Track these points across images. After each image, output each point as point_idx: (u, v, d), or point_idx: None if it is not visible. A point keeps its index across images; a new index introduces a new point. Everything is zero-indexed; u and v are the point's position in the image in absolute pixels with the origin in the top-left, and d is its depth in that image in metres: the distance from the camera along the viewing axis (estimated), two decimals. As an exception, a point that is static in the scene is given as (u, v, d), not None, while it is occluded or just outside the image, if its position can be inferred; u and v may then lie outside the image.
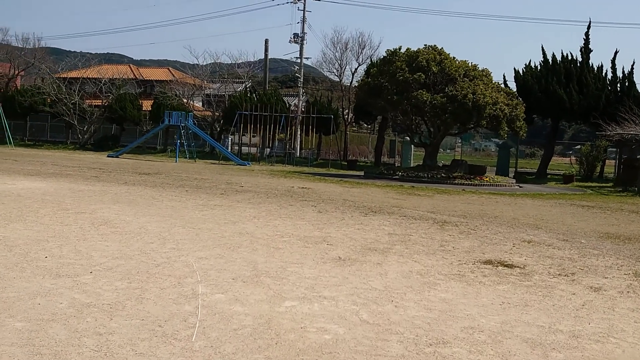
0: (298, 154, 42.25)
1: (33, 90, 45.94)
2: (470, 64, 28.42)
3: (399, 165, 36.00)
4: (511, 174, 32.07)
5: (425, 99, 25.67)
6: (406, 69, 26.64)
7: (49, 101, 44.16)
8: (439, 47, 28.27)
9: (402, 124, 31.16)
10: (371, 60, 38.37)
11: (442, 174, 26.24)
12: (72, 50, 52.12)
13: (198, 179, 19.63)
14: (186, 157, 36.43)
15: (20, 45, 51.28)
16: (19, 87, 48.47)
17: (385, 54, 28.56)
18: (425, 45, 28.42)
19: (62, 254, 6.80)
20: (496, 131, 27.64)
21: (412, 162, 36.96)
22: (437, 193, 19.51)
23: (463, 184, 24.79)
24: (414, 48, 28.40)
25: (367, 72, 32.57)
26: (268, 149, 39.91)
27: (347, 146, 41.91)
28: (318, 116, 36.62)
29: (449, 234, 10.12)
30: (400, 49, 28.42)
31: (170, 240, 8.00)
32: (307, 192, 16.95)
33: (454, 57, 28.18)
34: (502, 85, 31.11)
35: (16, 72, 49.85)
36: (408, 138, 33.97)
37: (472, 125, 28.74)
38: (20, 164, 23.02)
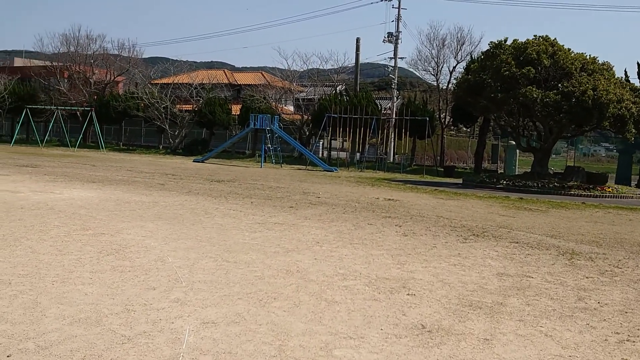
0: (390, 160, 39.50)
1: (127, 95, 46.19)
2: (588, 57, 24.61)
3: (502, 172, 32.38)
4: (633, 183, 27.77)
5: (535, 96, 22.27)
6: (513, 62, 23.33)
7: (142, 106, 44.08)
8: (552, 38, 24.67)
9: (508, 126, 27.68)
10: (471, 56, 34.99)
11: (555, 183, 22.69)
12: (176, 59, 52.03)
13: (272, 188, 17.48)
14: (272, 162, 34.71)
15: (116, 52, 51.96)
16: (119, 93, 48.95)
17: (488, 47, 25.30)
18: (535, 35, 24.91)
19: (4, 310, 4.64)
20: (621, 133, 23.68)
21: (516, 168, 33.17)
22: (551, 207, 16.24)
23: (581, 196, 21.16)
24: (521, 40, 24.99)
25: (466, 68, 29.34)
26: (358, 154, 37.46)
27: (444, 151, 38.65)
28: (412, 118, 33.74)
29: (584, 274, 7.19)
30: (505, 40, 25.09)
31: (182, 283, 5.69)
32: (393, 205, 14.31)
33: (568, 49, 24.49)
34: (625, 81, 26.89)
35: (112, 77, 50.46)
36: (513, 142, 30.38)
37: (590, 127, 24.90)
38: (96, 169, 21.93)
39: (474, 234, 10.09)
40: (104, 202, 11.73)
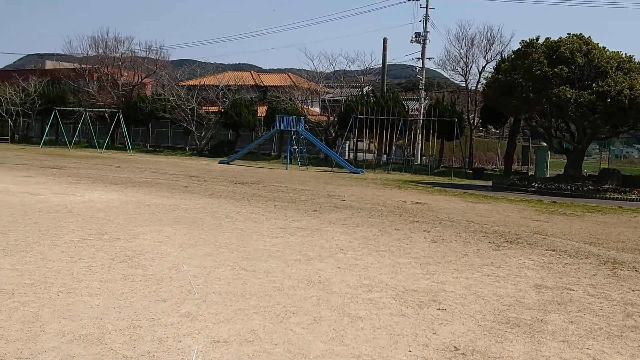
0: (418, 161, 38.86)
1: (154, 97, 46.36)
2: (624, 55, 23.72)
3: (533, 174, 31.52)
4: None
5: (568, 96, 21.51)
6: (545, 61, 22.58)
7: (168, 107, 44.14)
8: (585, 36, 23.85)
9: (539, 127, 26.89)
10: (501, 56, 34.18)
11: (589, 187, 21.87)
12: (204, 61, 52.13)
13: (297, 191, 17.10)
14: (298, 164, 34.38)
15: (143, 54, 52.15)
16: (147, 95, 49.10)
17: (519, 45, 24.57)
18: (568, 34, 24.11)
19: (0, 325, 4.32)
20: (659, 135, 22.74)
21: (548, 171, 32.29)
22: (587, 211, 15.56)
23: (617, 199, 20.35)
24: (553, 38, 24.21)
25: (497, 67, 28.60)
26: (385, 156, 36.92)
27: (473, 153, 37.87)
28: (440, 119, 33.09)
29: (629, 286, 6.64)
30: (537, 39, 24.33)
31: (195, 294, 5.32)
32: (421, 209, 13.81)
33: (603, 47, 23.64)
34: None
35: (139, 80, 50.69)
36: (544, 143, 29.57)
37: (626, 128, 24.03)
38: (120, 171, 21.82)
39: (507, 241, 9.56)
40: (124, 205, 11.48)
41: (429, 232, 10.14)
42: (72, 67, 53.59)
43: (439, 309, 5.29)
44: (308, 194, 16.12)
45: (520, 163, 41.09)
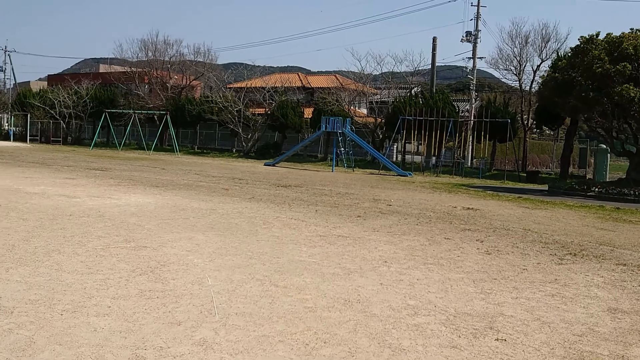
0: (468, 164, 37.61)
1: (201, 99, 46.50)
2: (694, 51, 22.08)
3: (592, 178, 29.91)
4: None
5: (632, 95, 20.15)
6: (606, 58, 21.21)
7: (216, 110, 44.14)
8: (651, 31, 22.32)
9: (600, 128, 25.39)
10: (557, 54, 32.61)
11: (655, 191, 20.38)
12: (252, 64, 51.93)
13: (340, 194, 16.40)
14: (344, 167, 33.68)
15: (192, 57, 52.38)
16: (195, 97, 49.30)
17: (578, 42, 23.22)
18: (631, 29, 22.64)
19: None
20: None
21: (607, 174, 30.59)
22: (655, 219, 14.31)
23: (687, 206, 18.83)
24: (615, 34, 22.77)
25: (553, 65, 27.18)
26: (434, 158, 35.83)
27: (526, 155, 36.36)
28: (492, 120, 31.83)
29: None
30: (597, 35, 22.92)
31: (216, 316, 4.68)
32: (473, 215, 12.90)
33: (671, 43, 22.06)
34: None
35: (188, 82, 50.96)
36: (604, 145, 27.98)
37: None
38: (164, 173, 21.58)
39: (570, 253, 8.62)
40: (159, 209, 11.02)
41: (482, 241, 9.28)
42: (124, 70, 54.38)
43: (497, 339, 4.50)
44: (352, 198, 15.40)
45: (577, 166, 39.28)
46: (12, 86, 73.05)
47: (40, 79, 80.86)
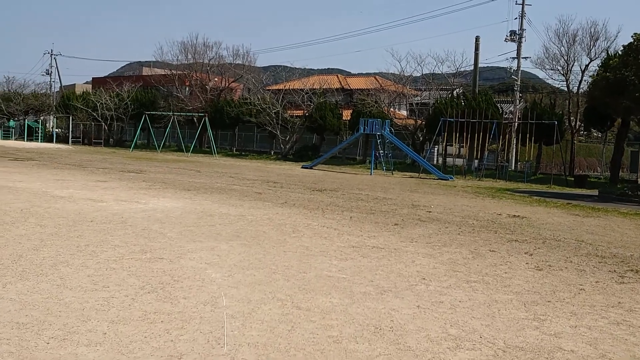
0: (512, 167, 36.32)
1: (240, 101, 46.32)
2: None
3: (645, 182, 28.35)
4: None
5: (692, 95, 18.83)
6: (663, 56, 19.95)
7: (254, 112, 43.87)
8: None
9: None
10: (607, 53, 31.11)
11: None
12: (291, 66, 51.51)
13: (378, 200, 15.67)
14: (383, 169, 32.87)
15: (231, 59, 52.28)
16: (234, 99, 49.19)
17: (631, 39, 21.94)
18: (690, 24, 21.24)
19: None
20: None
21: (662, 178, 28.97)
22: None
23: None
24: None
25: (603, 65, 25.84)
26: (476, 161, 34.69)
27: (574, 158, 34.87)
28: (538, 122, 30.55)
29: None
30: (653, 31, 21.61)
31: (224, 347, 4.05)
32: (520, 224, 12.01)
33: None
34: None
35: (227, 84, 50.90)
36: (659, 148, 26.48)
37: None
38: (199, 176, 21.22)
39: (631, 269, 7.72)
40: (185, 215, 10.50)
41: (531, 255, 8.45)
42: (164, 73, 54.72)
43: (557, 384, 3.75)
44: (390, 204, 14.66)
45: (629, 170, 37.57)
46: (58, 89, 74.44)
47: (87, 82, 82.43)
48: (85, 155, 33.58)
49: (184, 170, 24.21)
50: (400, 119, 41.87)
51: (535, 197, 19.57)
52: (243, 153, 46.69)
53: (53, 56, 78.76)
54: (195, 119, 46.44)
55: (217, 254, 7.24)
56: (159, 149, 46.17)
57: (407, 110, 45.00)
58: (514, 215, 13.48)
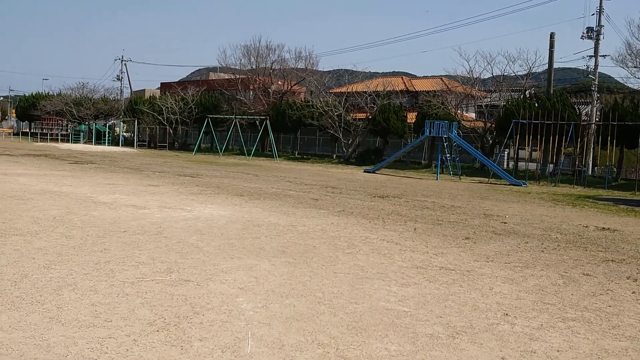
0: (589, 172, 33.81)
1: (302, 104, 45.56)
2: None
3: None
4: None
5: None
6: None
7: (316, 114, 42.97)
8: None
9: None
10: (701, 47, 28.36)
11: None
12: (355, 69, 50.21)
13: (445, 208, 14.26)
14: (450, 174, 31.19)
15: (293, 62, 51.55)
16: (295, 102, 48.50)
17: None
18: None
19: None
20: None
21: None
22: None
23: None
24: None
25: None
26: (551, 166, 32.45)
27: (661, 163, 32.00)
28: (620, 124, 28.16)
29: None
30: None
31: None
32: (612, 238, 10.37)
33: None
34: None
35: (289, 87, 50.27)
36: None
37: None
38: (255, 180, 20.36)
39: None
40: (229, 225, 9.50)
41: (635, 280, 6.94)
42: (228, 77, 54.73)
43: None
44: (459, 213, 13.24)
45: None
46: (128, 95, 76.12)
47: (158, 88, 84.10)
48: (146, 158, 33.50)
49: (242, 174, 23.44)
50: (469, 121, 39.96)
51: (621, 206, 17.60)
52: (305, 157, 45.84)
53: (123, 62, 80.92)
54: (257, 122, 46.00)
55: (255, 275, 6.14)
56: (220, 152, 45.95)
57: (475, 112, 42.99)
58: (603, 228, 11.81)
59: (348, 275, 6.39)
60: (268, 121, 42.77)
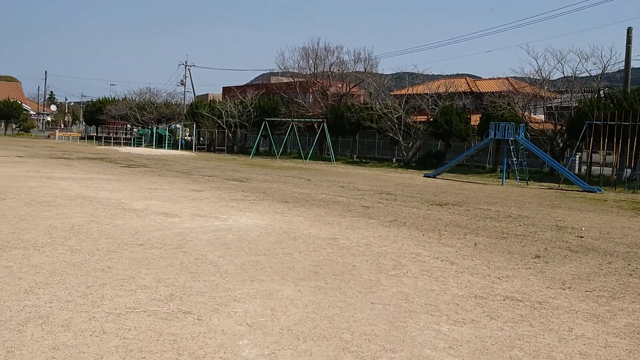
0: (673, 178, 31.01)
1: (360, 106, 44.38)
2: None
3: None
4: None
5: None
6: None
7: (375, 117, 41.69)
8: None
9: None
10: None
11: None
12: (416, 72, 48.37)
13: (511, 218, 12.78)
14: (516, 179, 29.27)
15: (352, 63, 50.38)
16: (355, 105, 47.33)
17: None
18: None
19: None
20: None
21: None
22: None
23: None
24: None
25: None
26: (628, 170, 29.99)
27: None
28: None
29: None
30: None
31: None
32: None
33: None
34: None
35: (347, 89, 49.17)
36: None
37: None
38: (306, 185, 19.36)
39: None
40: (262, 237, 8.44)
41: None
42: (287, 81, 54.21)
43: None
44: (527, 224, 11.75)
45: None
46: (191, 99, 76.96)
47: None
48: (201, 162, 33.11)
49: (294, 178, 22.48)
50: (537, 122, 37.72)
51: None
52: (363, 160, 44.62)
53: (187, 67, 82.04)
54: (315, 125, 45.12)
55: (273, 305, 5.03)
56: (277, 155, 45.33)
57: (544, 114, 40.62)
58: (700, 245, 10.08)
59: (388, 307, 5.19)
60: (325, 124, 41.78)
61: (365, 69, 49.06)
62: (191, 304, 4.91)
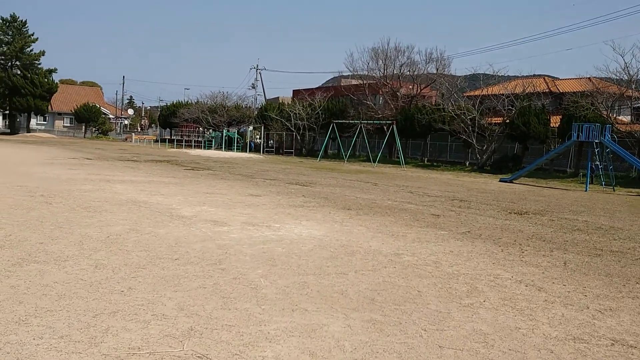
0: None
1: (432, 107, 42.78)
2: None
3: None
4: None
5: None
6: None
7: (447, 119, 40.02)
8: None
9: None
10: None
11: None
12: (492, 73, 46.18)
13: (602, 230, 11.23)
14: (602, 185, 27.06)
15: (424, 63, 48.74)
16: (426, 106, 45.77)
17: None
18: None
19: None
20: None
21: None
22: None
23: None
24: None
25: None
26: None
27: None
28: None
29: None
30: None
31: None
32: None
33: None
34: None
35: (418, 90, 47.61)
36: None
37: None
38: (371, 190, 18.27)
39: None
40: (316, 251, 7.44)
41: None
42: (357, 83, 53.24)
43: None
44: (623, 238, 10.22)
45: None
46: (261, 102, 77.24)
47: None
48: (267, 165, 32.56)
49: (360, 183, 21.40)
50: (623, 124, 35.02)
51: None
52: (435, 164, 42.94)
53: (258, 71, 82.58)
54: (384, 127, 43.87)
55: (313, 348, 4.00)
56: (345, 158, 44.35)
57: (631, 115, 37.76)
58: None
59: (461, 352, 4.06)
60: (395, 126, 40.44)
61: (437, 70, 47.36)
62: (210, 345, 3.96)
